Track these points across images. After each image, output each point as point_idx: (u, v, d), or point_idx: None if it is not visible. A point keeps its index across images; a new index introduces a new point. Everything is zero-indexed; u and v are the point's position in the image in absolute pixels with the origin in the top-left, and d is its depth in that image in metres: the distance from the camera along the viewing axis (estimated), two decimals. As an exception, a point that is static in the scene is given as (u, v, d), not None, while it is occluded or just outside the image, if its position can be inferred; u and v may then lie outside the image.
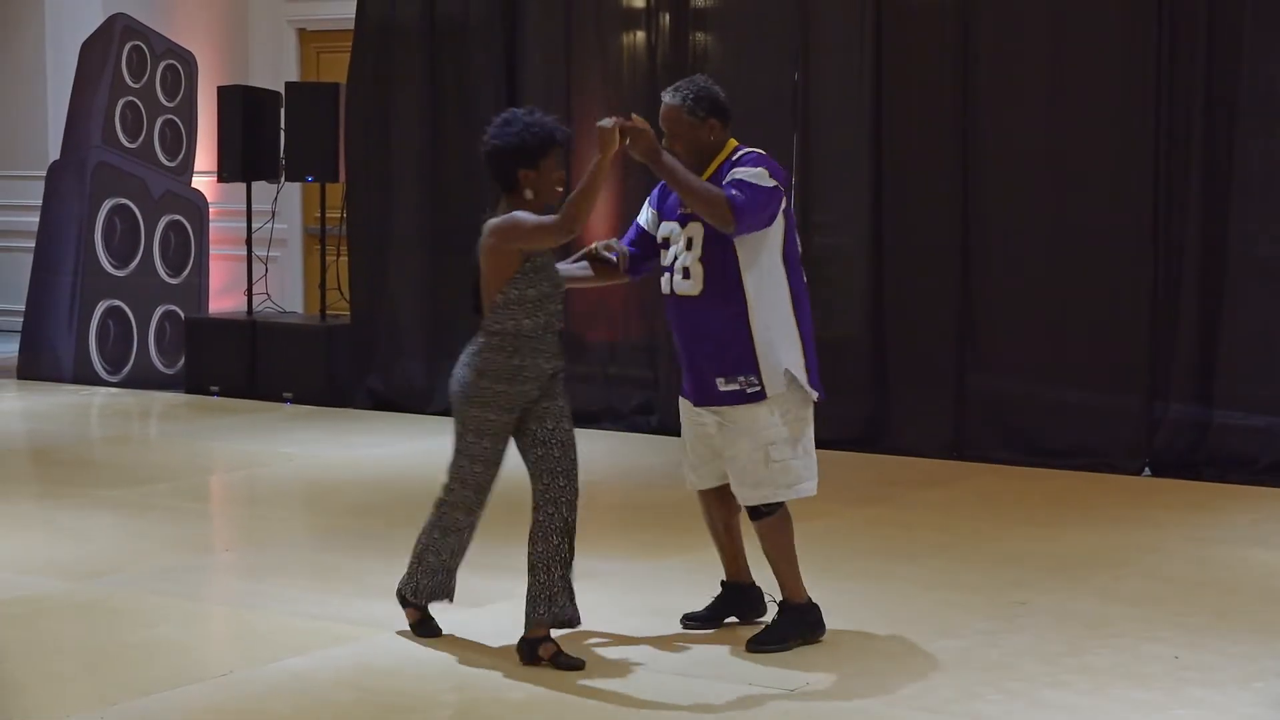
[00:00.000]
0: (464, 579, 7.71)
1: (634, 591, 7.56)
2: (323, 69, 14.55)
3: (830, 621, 6.77)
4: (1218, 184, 10.19)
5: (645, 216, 6.87)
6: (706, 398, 6.61)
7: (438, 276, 12.81)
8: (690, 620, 6.90)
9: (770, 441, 6.53)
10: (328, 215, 13.46)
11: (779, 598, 6.73)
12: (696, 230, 6.52)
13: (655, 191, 6.88)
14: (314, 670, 6.36)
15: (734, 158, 6.59)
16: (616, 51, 12.18)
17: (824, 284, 11.37)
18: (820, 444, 11.08)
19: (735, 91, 11.53)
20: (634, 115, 6.62)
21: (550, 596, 6.44)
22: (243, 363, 13.33)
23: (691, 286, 6.53)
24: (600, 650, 6.60)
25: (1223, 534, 8.82)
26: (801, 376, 6.55)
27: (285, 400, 13.06)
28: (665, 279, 6.64)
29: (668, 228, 6.67)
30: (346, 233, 13.25)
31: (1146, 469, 10.35)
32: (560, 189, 6.56)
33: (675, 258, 6.59)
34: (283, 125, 13.49)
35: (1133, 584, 7.75)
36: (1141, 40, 10.32)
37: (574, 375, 12.57)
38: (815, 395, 6.61)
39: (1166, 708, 5.92)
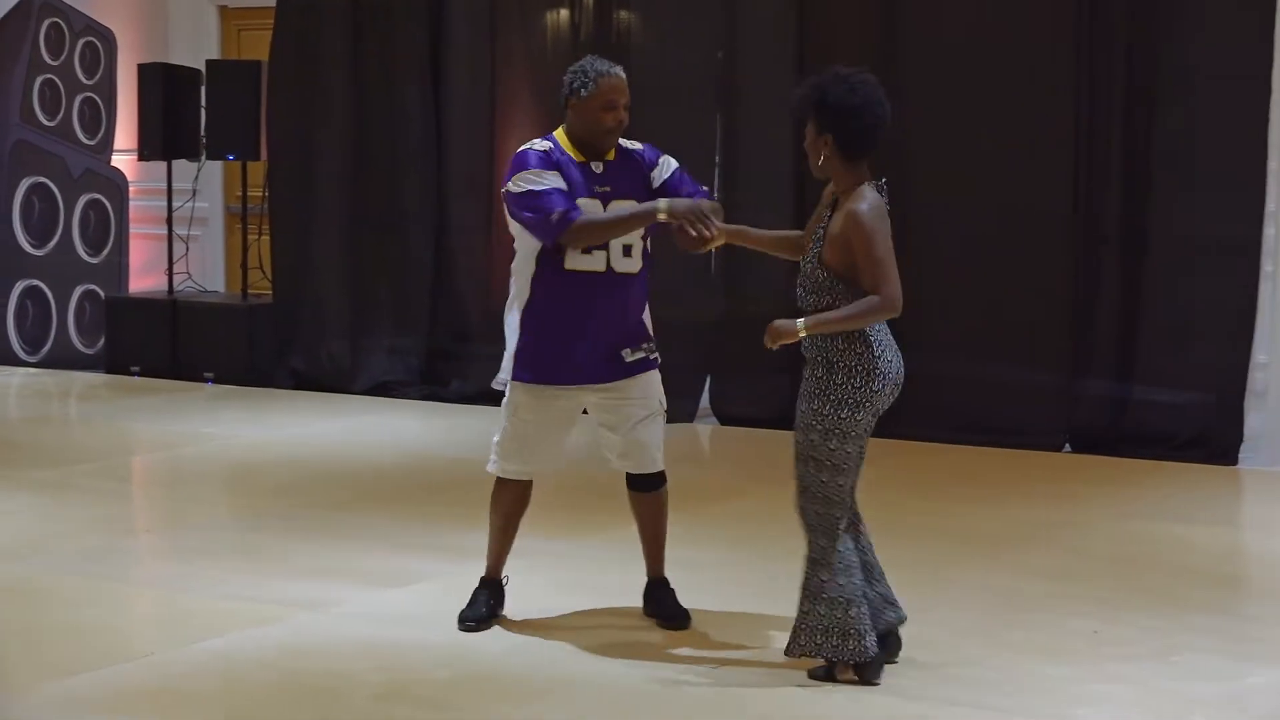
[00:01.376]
0: (391, 558, 7.72)
1: (559, 570, 7.56)
2: (244, 46, 14.45)
3: (751, 600, 6.80)
4: (1137, 165, 10.28)
5: (554, 178, 6.43)
6: (616, 371, 6.55)
7: (361, 255, 12.78)
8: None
9: (665, 409, 6.73)
10: (249, 194, 13.39)
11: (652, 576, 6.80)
12: (615, 208, 6.44)
13: (543, 159, 6.45)
14: (238, 651, 6.34)
15: (624, 142, 6.63)
16: (541, 30, 12.17)
17: (746, 265, 11.43)
18: (743, 422, 11.28)
19: (659, 70, 11.70)
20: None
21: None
22: (164, 342, 13.25)
23: (632, 264, 6.47)
24: (529, 629, 6.60)
25: (1141, 509, 8.91)
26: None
27: (207, 380, 12.99)
28: (598, 256, 6.43)
29: (588, 205, 6.44)
30: (268, 211, 13.20)
31: (1067, 445, 10.44)
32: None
33: None
34: (204, 103, 13.40)
35: (1052, 559, 7.82)
36: (1062, 23, 10.39)
37: (500, 355, 12.62)
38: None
39: (1085, 682, 5.98)
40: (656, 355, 6.64)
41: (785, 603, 6.94)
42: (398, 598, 7.09)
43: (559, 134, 6.57)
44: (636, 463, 6.68)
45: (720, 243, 6.38)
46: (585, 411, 6.70)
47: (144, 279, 14.48)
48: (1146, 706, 5.73)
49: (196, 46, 14.22)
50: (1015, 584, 7.32)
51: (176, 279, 13.81)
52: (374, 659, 6.25)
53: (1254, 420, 10.00)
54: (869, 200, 5.91)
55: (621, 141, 6.58)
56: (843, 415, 5.86)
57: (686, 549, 7.87)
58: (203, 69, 13.48)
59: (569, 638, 6.47)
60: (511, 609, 6.84)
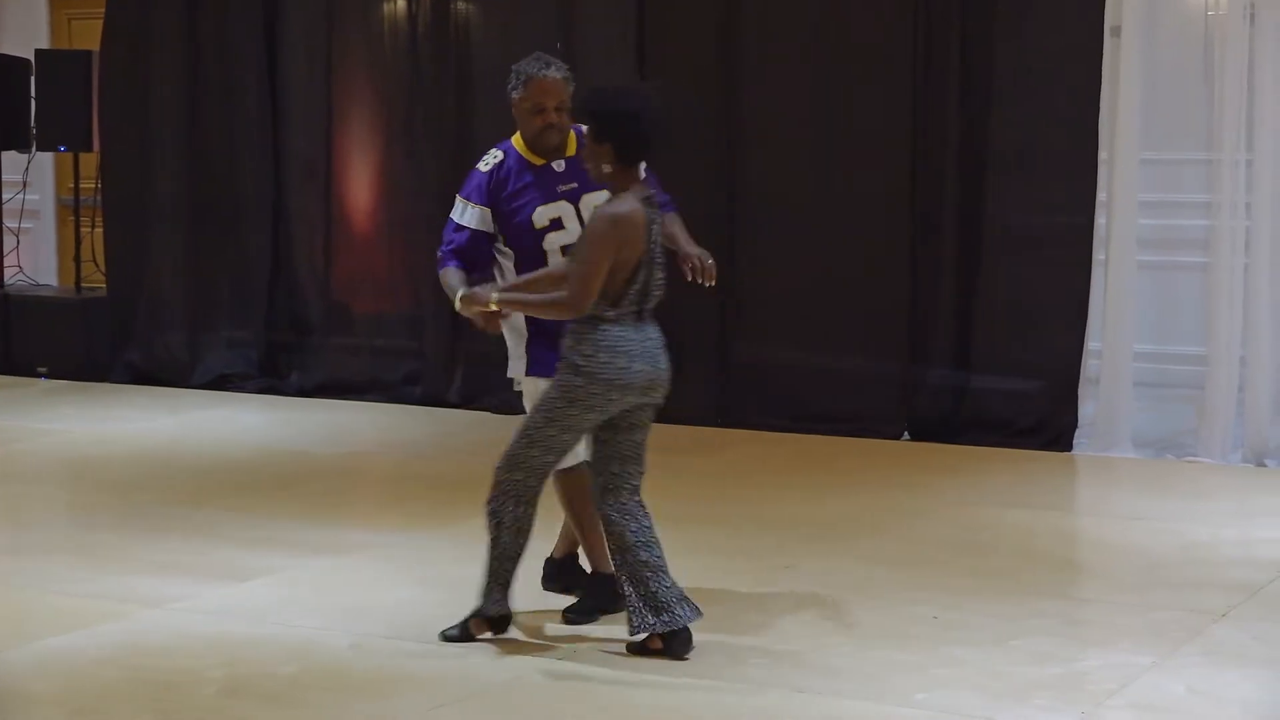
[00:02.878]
0: (233, 553, 7.65)
1: (404, 563, 7.53)
2: (75, 36, 14.22)
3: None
4: (972, 155, 10.41)
5: (474, 215, 6.53)
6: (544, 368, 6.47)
7: (198, 247, 12.64)
8: (571, 614, 6.61)
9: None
10: (82, 186, 13.18)
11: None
12: (588, 202, 6.39)
13: (478, 186, 6.55)
14: (80, 649, 6.26)
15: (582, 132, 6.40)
16: (378, 17, 12.09)
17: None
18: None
19: (496, 61, 11.60)
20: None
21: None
22: (-5, 337, 13.03)
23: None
24: (370, 622, 6.57)
25: (981, 496, 9.03)
26: None
27: (40, 375, 12.78)
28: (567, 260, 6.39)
29: (551, 210, 6.45)
30: (102, 203, 13.01)
31: (906, 433, 10.55)
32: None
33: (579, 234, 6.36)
34: (33, 93, 13.17)
35: (894, 546, 7.91)
36: (898, 14, 10.50)
37: (341, 347, 12.63)
38: None
39: (926, 667, 6.05)
40: None
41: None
42: (241, 592, 7.03)
43: (515, 137, 6.58)
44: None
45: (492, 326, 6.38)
46: None
47: (-26, 272, 14.20)
48: (986, 690, 5.81)
49: (26, 35, 13.96)
50: (858, 571, 7.39)
51: (7, 273, 13.57)
52: (218, 654, 6.19)
53: (1088, 407, 10.17)
54: (620, 208, 6.04)
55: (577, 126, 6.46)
56: (571, 414, 6.09)
57: (531, 540, 7.87)
58: (32, 58, 13.24)
59: (418, 632, 6.44)
60: (355, 602, 6.81)
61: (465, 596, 6.82)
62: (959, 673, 5.99)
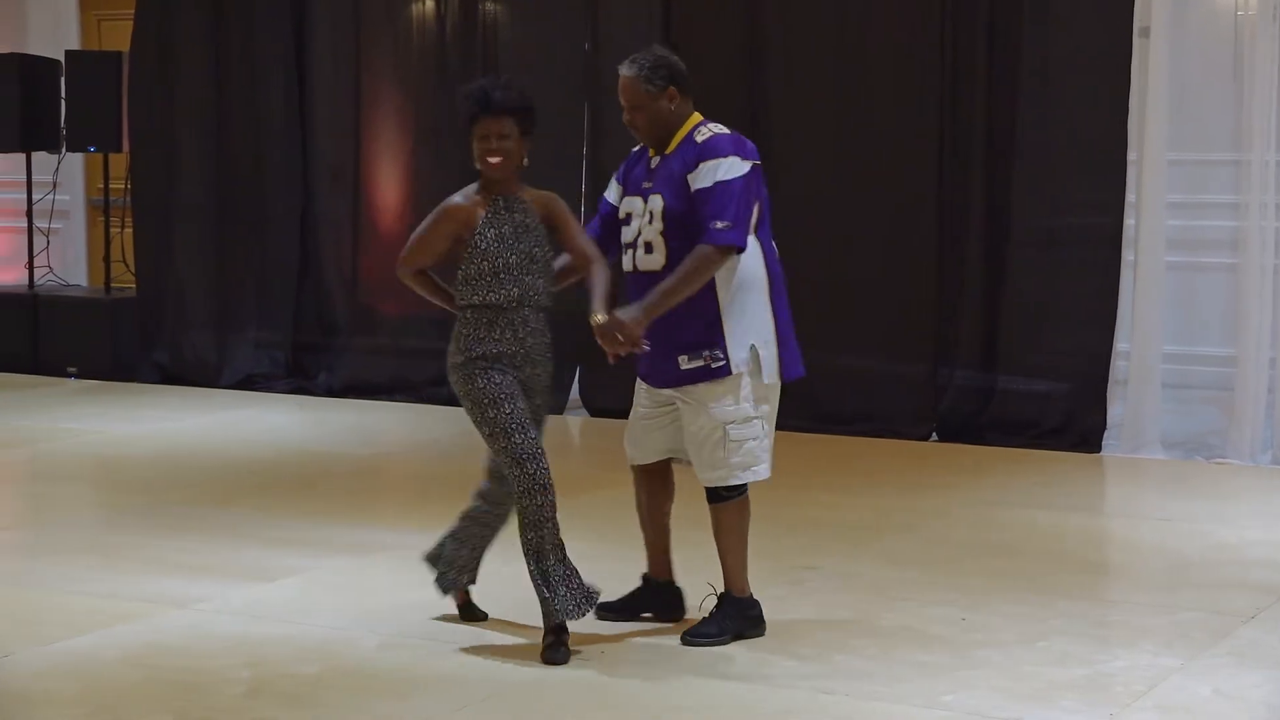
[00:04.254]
0: (257, 554, 7.66)
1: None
2: (104, 37, 14.26)
3: (616, 590, 6.80)
4: (1000, 155, 10.39)
5: (613, 193, 6.53)
6: (667, 379, 6.36)
7: (226, 248, 12.68)
8: (605, 611, 6.56)
9: (729, 420, 6.29)
10: (111, 186, 13.22)
11: (719, 589, 6.47)
12: (657, 203, 6.25)
13: (622, 166, 6.55)
14: (101, 649, 6.26)
15: (697, 137, 6.28)
16: (406, 19, 12.11)
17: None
18: (613, 414, 11.27)
19: (525, 62, 11.68)
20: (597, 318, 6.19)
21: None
22: (24, 337, 13.07)
23: (654, 261, 6.27)
24: (393, 623, 6.57)
25: (1006, 497, 9.01)
26: (766, 355, 6.34)
27: (69, 375, 12.82)
28: (628, 256, 6.37)
29: (629, 203, 6.38)
30: (131, 204, 13.05)
31: (933, 434, 10.52)
32: (491, 159, 6.23)
33: (638, 233, 6.33)
34: (63, 94, 13.21)
35: (920, 547, 7.89)
36: (927, 13, 10.48)
37: (368, 347, 12.65)
38: (777, 379, 6.41)
39: (952, 669, 6.03)
40: (723, 363, 6.27)
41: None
42: (265, 593, 7.03)
43: None
44: (697, 469, 6.46)
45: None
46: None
47: (4, 273, 14.26)
48: (1012, 691, 5.79)
49: (55, 37, 14.01)
50: (884, 572, 7.37)
51: (37, 273, 13.62)
52: (241, 655, 6.19)
53: (1116, 408, 10.14)
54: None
55: (702, 129, 6.31)
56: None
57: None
58: (62, 59, 13.29)
59: (441, 633, 6.43)
60: (379, 603, 6.81)
61: (487, 596, 6.82)
62: (985, 674, 5.97)
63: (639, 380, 6.55)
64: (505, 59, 11.73)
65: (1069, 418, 10.23)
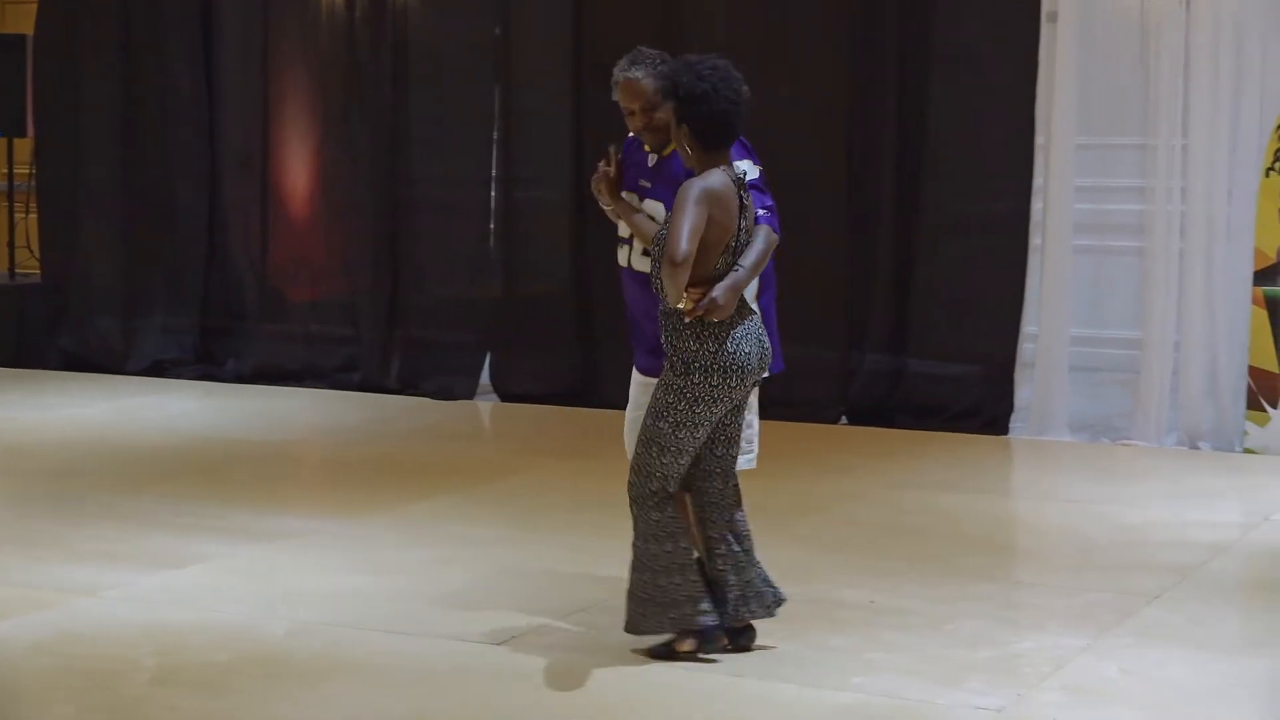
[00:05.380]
0: (167, 541, 7.61)
1: (340, 550, 7.51)
2: (9, 19, 14.10)
3: (535, 572, 6.80)
4: (909, 142, 10.44)
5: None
6: (657, 365, 6.20)
7: (132, 232, 12.57)
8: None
9: None
10: (16, 171, 13.08)
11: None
12: (658, 210, 6.13)
13: (624, 141, 6.39)
14: (12, 637, 6.20)
15: None
16: (314, 4, 12.03)
17: (527, 239, 11.45)
18: (524, 399, 11.27)
19: (435, 47, 11.64)
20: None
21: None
22: (-72, 323, 12.92)
23: (650, 265, 6.16)
24: (305, 609, 6.55)
25: (917, 479, 9.07)
26: None
27: (-26, 362, 12.69)
28: (623, 251, 6.28)
29: (627, 198, 6.26)
30: (36, 189, 12.92)
31: (843, 418, 10.58)
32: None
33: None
34: (-33, 78, 13.06)
35: (830, 531, 7.93)
36: (836, 2, 10.53)
37: (277, 333, 12.58)
38: (765, 371, 6.25)
39: (862, 651, 6.06)
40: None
41: (570, 574, 6.97)
42: (175, 580, 6.98)
43: None
44: None
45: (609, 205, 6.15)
46: None
47: (-94, 258, 14.07)
48: (922, 673, 5.82)
49: (-41, 20, 13.86)
50: (795, 556, 7.39)
51: (-60, 258, 13.47)
52: (152, 643, 6.15)
53: (1024, 390, 10.22)
54: (708, 180, 5.81)
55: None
56: (697, 410, 5.83)
57: (468, 526, 7.87)
58: (-35, 43, 13.14)
59: (354, 619, 6.42)
60: (291, 589, 6.79)
61: (400, 582, 6.82)
62: (895, 657, 6.01)
63: (634, 376, 6.41)
64: (415, 44, 11.68)
65: (978, 401, 10.30)
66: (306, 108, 12.18)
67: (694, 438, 5.86)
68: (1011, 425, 10.21)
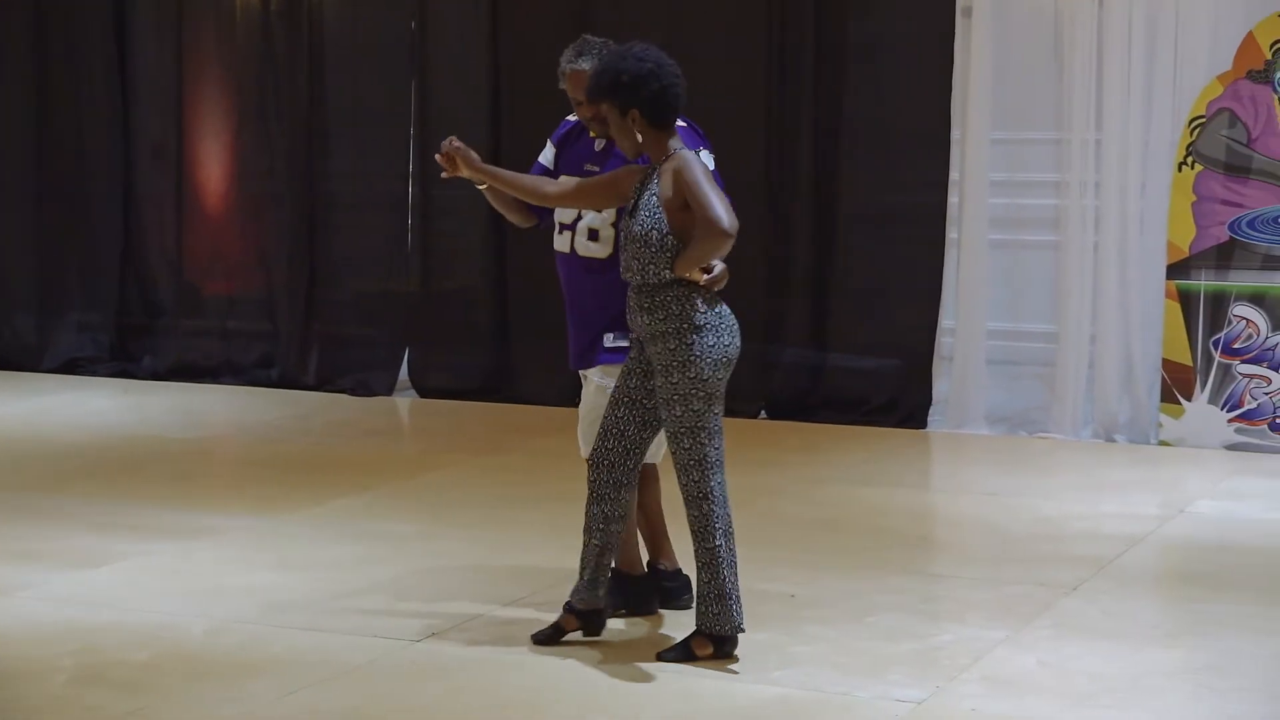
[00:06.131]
0: (84, 539, 7.55)
1: (258, 547, 7.47)
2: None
3: (453, 568, 6.78)
4: (826, 135, 10.48)
5: (548, 155, 6.42)
6: (588, 359, 6.28)
7: (46, 227, 12.45)
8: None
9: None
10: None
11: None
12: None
13: (559, 131, 6.44)
14: (-76, 639, 6.15)
15: None
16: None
17: (444, 236, 11.41)
18: (442, 394, 11.25)
19: (351, 41, 11.59)
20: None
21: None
22: None
23: (599, 250, 6.22)
24: (224, 607, 6.51)
25: (836, 473, 9.11)
26: None
27: (-115, 359, 12.54)
28: (564, 237, 6.28)
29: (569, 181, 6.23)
30: (-53, 186, 12.79)
31: (763, 412, 10.60)
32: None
33: (579, 217, 6.24)
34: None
35: (750, 525, 7.89)
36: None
37: (193, 329, 12.50)
38: None
39: (783, 645, 6.08)
40: None
41: (489, 570, 6.96)
42: (92, 579, 6.93)
43: None
44: None
45: (462, 173, 6.08)
46: None
47: None
48: (843, 666, 5.85)
49: None
50: (714, 549, 7.40)
51: None
52: (69, 642, 6.10)
53: (942, 384, 10.27)
54: (685, 154, 5.91)
55: None
56: (719, 376, 5.88)
57: (386, 522, 7.85)
58: (-125, 36, 12.98)
59: (273, 616, 6.39)
60: (209, 587, 6.75)
61: (319, 579, 6.80)
62: (816, 650, 6.03)
63: (588, 376, 6.35)
64: (330, 38, 11.63)
65: (896, 394, 10.36)
66: (222, 101, 12.10)
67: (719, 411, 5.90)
68: (930, 418, 10.26)
